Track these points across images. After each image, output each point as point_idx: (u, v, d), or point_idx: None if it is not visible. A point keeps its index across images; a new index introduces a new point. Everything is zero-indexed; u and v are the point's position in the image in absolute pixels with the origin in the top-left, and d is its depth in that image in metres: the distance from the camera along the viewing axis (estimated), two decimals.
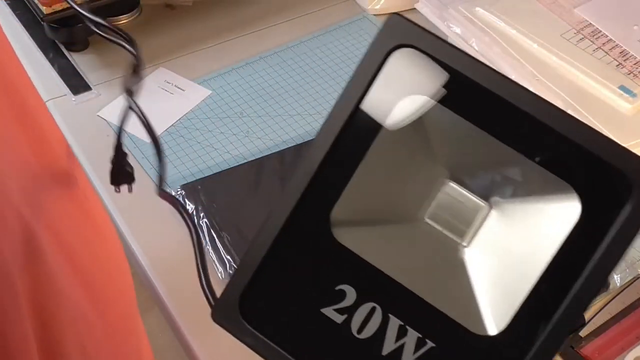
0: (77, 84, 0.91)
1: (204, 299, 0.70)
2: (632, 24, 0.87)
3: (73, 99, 0.89)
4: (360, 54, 1.01)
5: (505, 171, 0.38)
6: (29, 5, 0.94)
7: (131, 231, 0.75)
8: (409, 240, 0.39)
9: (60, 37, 0.94)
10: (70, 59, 0.94)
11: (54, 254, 0.44)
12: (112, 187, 0.76)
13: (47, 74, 0.92)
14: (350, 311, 0.38)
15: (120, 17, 0.99)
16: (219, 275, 0.70)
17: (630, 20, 0.88)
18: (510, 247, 0.37)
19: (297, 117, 0.87)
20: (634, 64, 0.83)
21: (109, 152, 0.84)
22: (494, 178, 0.38)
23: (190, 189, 0.77)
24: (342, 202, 0.38)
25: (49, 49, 0.95)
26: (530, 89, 0.90)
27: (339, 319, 0.38)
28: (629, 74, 0.82)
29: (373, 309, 0.38)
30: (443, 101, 0.37)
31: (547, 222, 0.37)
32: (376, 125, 0.38)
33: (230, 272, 0.70)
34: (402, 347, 0.37)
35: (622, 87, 0.80)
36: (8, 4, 1.00)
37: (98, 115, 0.87)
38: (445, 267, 0.38)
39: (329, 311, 0.38)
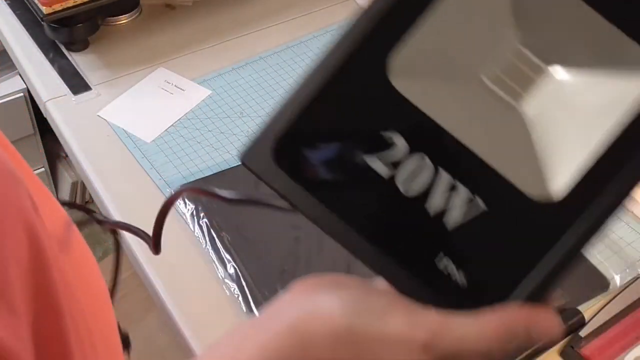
0: (77, 84, 0.91)
1: (204, 299, 0.70)
2: None
3: (73, 99, 0.89)
4: None
5: (581, 36, 0.35)
6: (29, 5, 0.94)
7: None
8: (467, 96, 0.36)
9: (60, 37, 0.94)
10: (70, 59, 0.94)
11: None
12: (112, 187, 0.76)
13: (47, 74, 0.92)
14: (397, 162, 0.35)
15: (120, 17, 0.99)
16: (219, 274, 0.71)
17: None
18: (573, 112, 0.35)
19: None
20: None
21: (109, 152, 0.84)
22: (566, 42, 0.36)
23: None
24: (404, 47, 0.36)
25: (49, 49, 0.95)
26: None
27: (383, 170, 0.35)
28: None
29: (423, 162, 0.35)
30: None
31: (618, 93, 0.35)
32: None
33: (230, 272, 0.70)
34: (449, 205, 0.35)
35: None
36: (8, 4, 1.00)
37: (98, 115, 0.87)
38: (503, 128, 0.36)
39: (373, 160, 0.35)
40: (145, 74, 0.92)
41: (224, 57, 0.95)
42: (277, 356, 0.35)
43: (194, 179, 0.79)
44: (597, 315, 0.68)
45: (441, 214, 0.35)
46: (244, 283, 0.69)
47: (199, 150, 0.83)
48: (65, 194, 1.81)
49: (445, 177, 0.35)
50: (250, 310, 0.68)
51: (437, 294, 0.35)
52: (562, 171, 0.35)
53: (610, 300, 0.69)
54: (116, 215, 0.76)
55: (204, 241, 0.73)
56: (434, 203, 0.35)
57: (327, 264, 0.71)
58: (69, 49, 0.95)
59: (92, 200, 1.91)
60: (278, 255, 0.72)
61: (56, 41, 0.95)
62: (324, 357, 0.35)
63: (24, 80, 1.26)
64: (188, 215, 0.75)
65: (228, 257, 0.71)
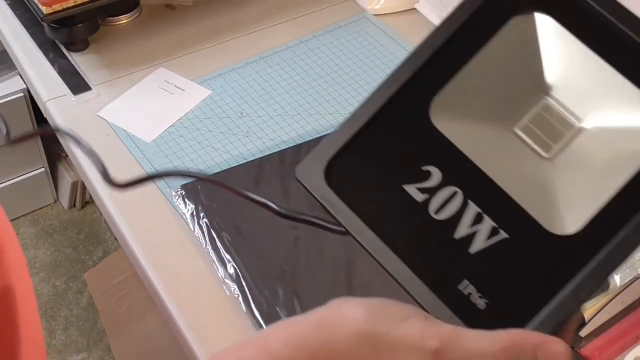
0: (77, 84, 0.91)
1: (204, 299, 0.70)
2: None
3: (73, 99, 0.89)
4: (359, 54, 1.01)
5: (606, 93, 0.40)
6: (29, 5, 0.94)
7: (131, 231, 0.75)
8: (500, 140, 0.40)
9: (60, 37, 0.94)
10: (70, 59, 0.94)
11: None
12: (112, 187, 0.76)
13: (47, 74, 0.92)
14: (431, 192, 0.40)
15: (120, 17, 0.99)
16: (219, 274, 0.71)
17: None
18: (594, 162, 0.39)
19: (297, 117, 0.87)
20: None
21: (109, 152, 0.84)
22: (593, 98, 0.40)
23: (190, 189, 0.77)
24: (446, 90, 0.41)
25: (49, 49, 0.95)
26: None
27: (419, 197, 0.40)
28: None
29: (454, 193, 0.40)
30: (558, 18, 0.40)
31: (637, 145, 0.39)
32: (495, 27, 0.41)
33: (230, 272, 0.70)
34: (475, 233, 0.39)
35: None
36: (8, 4, 1.00)
37: (98, 115, 0.87)
38: (529, 170, 0.40)
39: (411, 188, 0.40)
40: (145, 74, 0.92)
41: (224, 57, 0.95)
42: (302, 343, 0.39)
43: (194, 180, 0.79)
44: (597, 315, 0.68)
45: (466, 239, 0.39)
46: (244, 283, 0.69)
47: (199, 150, 0.83)
48: (65, 194, 1.81)
49: (472, 208, 0.39)
50: (250, 310, 0.68)
51: (456, 313, 0.39)
52: (581, 210, 0.38)
53: (610, 300, 0.69)
54: (116, 214, 0.76)
55: (204, 241, 0.73)
56: (461, 229, 0.39)
57: (327, 264, 0.71)
58: (69, 49, 0.95)
59: (92, 200, 1.91)
60: (278, 255, 0.72)
61: (56, 41, 0.95)
62: (347, 352, 0.39)
63: (24, 80, 1.26)
64: (188, 215, 0.75)
65: (228, 257, 0.71)
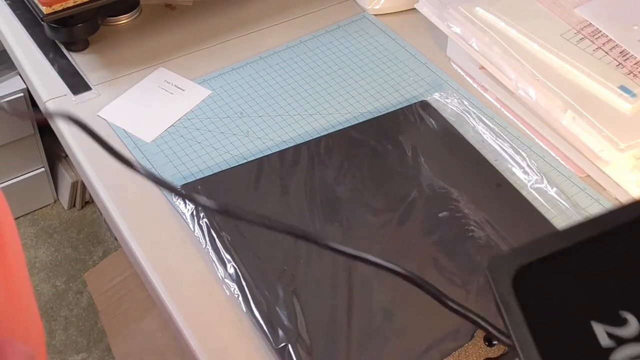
0: (77, 84, 0.91)
1: (204, 299, 0.70)
2: (632, 24, 0.87)
3: (73, 99, 0.89)
4: (359, 54, 1.01)
5: None
6: (29, 5, 0.94)
7: (131, 231, 0.75)
8: None
9: (60, 37, 0.94)
10: (70, 59, 0.94)
11: None
12: (112, 187, 0.76)
13: (47, 74, 0.92)
14: (620, 341, 0.36)
15: (120, 17, 0.99)
16: (219, 274, 0.71)
17: (630, 20, 0.88)
18: None
19: (297, 117, 0.87)
20: (634, 64, 0.83)
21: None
22: None
23: (190, 189, 0.77)
24: None
25: (49, 49, 0.95)
26: (530, 89, 0.89)
27: (605, 341, 0.36)
28: (629, 74, 0.82)
29: None
30: None
31: None
32: None
33: (230, 271, 0.70)
34: None
35: (622, 87, 0.80)
36: (8, 4, 1.00)
37: (98, 115, 0.87)
38: None
39: (599, 328, 0.36)
40: (145, 74, 0.92)
41: (224, 57, 0.95)
42: None
43: (194, 179, 0.79)
44: None
45: None
46: (244, 283, 0.69)
47: (199, 150, 0.83)
48: (65, 194, 1.81)
49: None
50: (250, 310, 0.68)
51: None
52: None
53: None
54: (116, 215, 0.76)
55: (204, 241, 0.73)
56: None
57: (327, 264, 0.71)
58: (69, 49, 0.95)
59: (92, 200, 1.91)
60: (278, 255, 0.72)
61: (56, 41, 0.95)
62: None
63: (24, 80, 1.26)
64: (188, 215, 0.75)
65: (228, 257, 0.71)
